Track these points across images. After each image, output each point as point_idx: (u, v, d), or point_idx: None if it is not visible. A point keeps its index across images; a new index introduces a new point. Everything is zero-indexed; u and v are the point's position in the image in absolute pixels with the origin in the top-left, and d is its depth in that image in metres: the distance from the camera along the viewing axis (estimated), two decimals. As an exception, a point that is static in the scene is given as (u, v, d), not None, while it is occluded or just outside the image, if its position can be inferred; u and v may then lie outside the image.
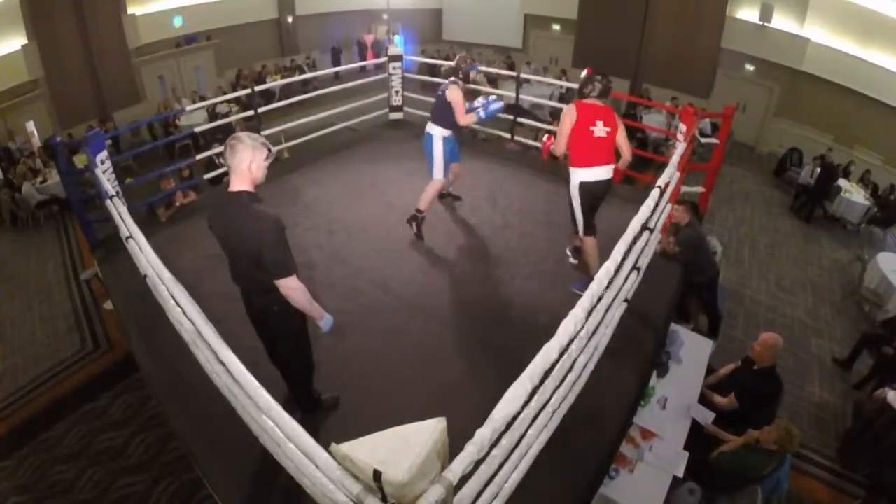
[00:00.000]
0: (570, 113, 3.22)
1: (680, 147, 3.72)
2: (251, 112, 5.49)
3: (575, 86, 5.64)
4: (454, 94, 3.87)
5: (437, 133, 3.99)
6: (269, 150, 2.09)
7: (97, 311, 5.65)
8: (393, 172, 5.24)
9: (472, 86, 4.03)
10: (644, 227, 2.80)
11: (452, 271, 3.81)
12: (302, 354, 2.42)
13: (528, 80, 7.10)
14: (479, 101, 3.97)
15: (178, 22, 10.64)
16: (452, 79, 3.98)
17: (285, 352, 2.39)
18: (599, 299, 2.23)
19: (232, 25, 11.59)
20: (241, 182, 2.03)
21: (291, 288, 2.06)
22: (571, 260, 3.89)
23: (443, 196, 4.64)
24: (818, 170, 8.00)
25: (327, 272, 3.76)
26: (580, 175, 3.29)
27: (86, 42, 9.30)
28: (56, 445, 4.08)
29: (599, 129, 3.20)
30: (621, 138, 3.29)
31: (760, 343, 3.36)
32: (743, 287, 6.15)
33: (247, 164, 2.01)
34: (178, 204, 4.50)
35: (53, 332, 5.41)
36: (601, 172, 3.27)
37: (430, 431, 1.37)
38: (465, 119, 3.89)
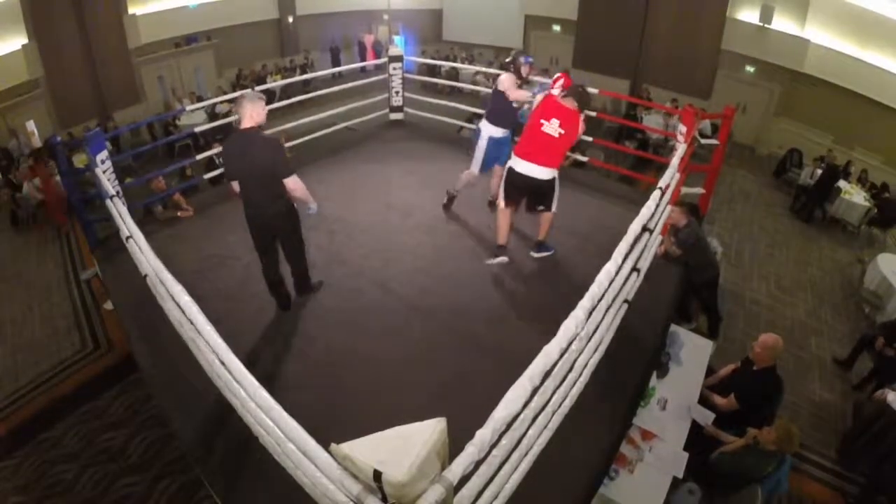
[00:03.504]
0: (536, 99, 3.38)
1: (680, 148, 3.72)
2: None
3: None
4: (505, 80, 3.96)
5: (485, 131, 4.12)
6: (264, 100, 2.95)
7: (97, 311, 5.64)
8: (393, 173, 5.24)
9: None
10: (644, 229, 2.80)
11: (452, 272, 3.81)
12: (302, 242, 3.29)
13: (528, 81, 7.10)
14: (538, 85, 4.11)
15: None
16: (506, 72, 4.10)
17: (295, 240, 3.23)
18: (600, 300, 2.23)
19: (232, 25, 11.58)
20: (249, 122, 2.88)
21: (296, 182, 2.95)
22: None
23: (449, 201, 4.59)
24: (818, 171, 8.00)
25: (327, 272, 3.76)
26: (511, 163, 3.39)
27: (86, 42, 9.30)
28: (56, 445, 4.08)
29: (550, 127, 3.25)
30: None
31: (760, 344, 3.36)
32: (743, 288, 6.15)
33: (248, 112, 2.86)
34: (178, 214, 4.51)
35: (53, 332, 5.40)
36: (534, 170, 3.32)
37: (430, 431, 1.37)
38: (516, 94, 3.92)
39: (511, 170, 3.41)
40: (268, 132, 5.42)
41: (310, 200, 3.12)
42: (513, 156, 3.40)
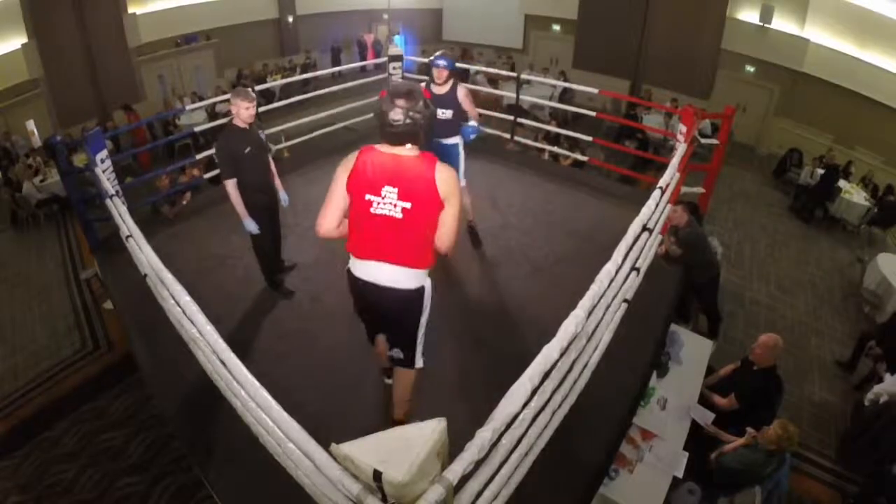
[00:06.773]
0: (345, 164, 2.04)
1: (680, 148, 3.72)
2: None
3: (576, 86, 5.30)
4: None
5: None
6: (248, 99, 3.07)
7: (97, 311, 5.64)
8: (393, 172, 5.23)
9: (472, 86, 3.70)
10: (644, 229, 2.80)
11: (452, 271, 3.81)
12: (258, 238, 3.35)
13: (528, 81, 7.11)
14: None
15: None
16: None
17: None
18: (600, 300, 2.23)
19: (232, 25, 11.58)
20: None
21: (227, 188, 3.13)
22: None
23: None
24: (818, 171, 7.99)
25: (327, 272, 3.76)
26: (350, 264, 2.09)
27: (86, 41, 9.29)
28: (56, 445, 4.08)
29: (384, 204, 1.88)
30: (446, 218, 1.92)
31: (760, 344, 3.37)
32: (743, 288, 6.15)
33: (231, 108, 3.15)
34: (184, 202, 4.53)
35: (53, 332, 5.41)
36: (381, 273, 1.97)
37: (430, 431, 1.37)
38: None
39: (349, 274, 2.10)
40: (268, 132, 5.48)
41: (242, 215, 3.20)
42: (351, 257, 2.07)
